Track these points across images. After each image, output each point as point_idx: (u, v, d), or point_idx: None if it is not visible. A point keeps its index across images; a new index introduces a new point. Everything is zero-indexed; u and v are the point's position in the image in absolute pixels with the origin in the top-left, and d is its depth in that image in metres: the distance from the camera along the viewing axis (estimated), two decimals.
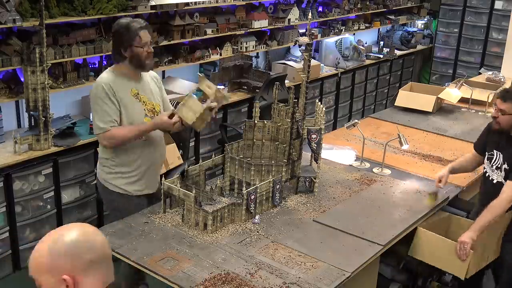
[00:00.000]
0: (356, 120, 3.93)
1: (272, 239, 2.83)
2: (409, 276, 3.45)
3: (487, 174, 3.33)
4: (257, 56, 6.32)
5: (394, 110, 5.18)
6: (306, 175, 3.37)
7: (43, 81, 3.97)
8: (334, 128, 6.92)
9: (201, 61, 5.55)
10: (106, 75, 3.13)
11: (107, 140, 3.09)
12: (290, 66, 6.22)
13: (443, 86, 5.61)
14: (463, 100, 5.24)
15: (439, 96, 5.12)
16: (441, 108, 5.22)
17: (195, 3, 5.19)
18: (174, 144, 4.02)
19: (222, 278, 2.46)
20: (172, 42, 5.11)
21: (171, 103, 3.42)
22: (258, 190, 3.00)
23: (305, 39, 3.16)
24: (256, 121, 3.30)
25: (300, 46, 6.25)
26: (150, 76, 3.31)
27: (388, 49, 7.81)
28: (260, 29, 5.98)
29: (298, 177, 3.33)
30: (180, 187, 2.95)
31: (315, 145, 3.22)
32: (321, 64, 6.70)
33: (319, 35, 6.84)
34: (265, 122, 3.31)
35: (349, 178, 3.61)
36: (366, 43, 7.91)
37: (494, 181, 3.26)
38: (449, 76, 8.26)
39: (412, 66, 8.60)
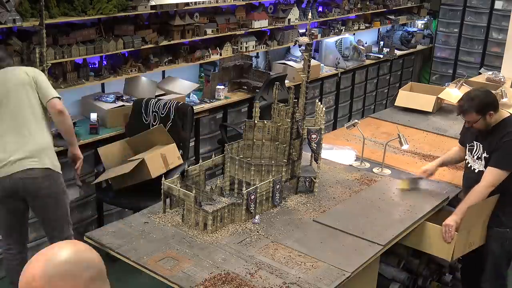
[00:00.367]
0: (356, 120, 3.93)
1: (272, 239, 2.83)
2: (409, 276, 3.45)
3: (469, 165, 3.41)
4: (257, 56, 6.32)
5: (394, 110, 5.18)
6: (306, 175, 3.37)
7: None
8: (334, 128, 6.92)
9: (201, 61, 5.54)
10: None
11: (63, 106, 3.36)
12: (290, 66, 6.22)
13: (443, 86, 5.61)
14: None
15: (439, 96, 5.12)
16: (441, 108, 5.22)
17: (195, 3, 5.19)
18: (174, 144, 4.01)
19: (222, 278, 2.46)
20: (172, 42, 5.11)
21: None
22: (258, 190, 3.00)
23: (305, 39, 3.16)
24: (256, 121, 3.30)
25: (300, 46, 6.24)
26: None
27: (388, 49, 7.81)
28: (260, 29, 5.98)
29: (298, 177, 3.33)
30: (180, 187, 2.95)
31: (315, 145, 3.22)
32: (321, 64, 6.70)
33: (319, 35, 6.84)
34: (265, 122, 3.31)
35: (349, 178, 3.61)
36: (366, 43, 7.91)
37: (476, 171, 3.34)
38: (449, 76, 8.26)
39: (412, 66, 8.60)
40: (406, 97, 5.19)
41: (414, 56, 8.53)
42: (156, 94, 4.92)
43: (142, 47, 4.83)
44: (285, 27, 6.31)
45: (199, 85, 5.60)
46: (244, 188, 2.98)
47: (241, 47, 5.85)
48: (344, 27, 7.21)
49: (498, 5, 7.79)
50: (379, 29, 8.26)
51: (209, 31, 5.47)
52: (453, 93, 5.21)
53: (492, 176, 3.19)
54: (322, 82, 6.71)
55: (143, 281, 3.30)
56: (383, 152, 3.78)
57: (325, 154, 3.69)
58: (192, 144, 5.06)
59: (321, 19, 6.90)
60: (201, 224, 2.86)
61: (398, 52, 7.95)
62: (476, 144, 3.36)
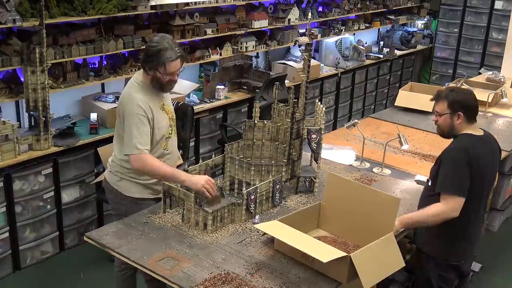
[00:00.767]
0: (356, 120, 3.93)
1: (272, 239, 2.83)
2: (409, 276, 3.45)
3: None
4: (257, 56, 6.32)
5: (394, 110, 5.18)
6: (306, 175, 3.37)
7: (43, 81, 3.98)
8: (334, 128, 6.93)
9: (201, 61, 5.55)
10: (136, 91, 3.03)
11: (138, 163, 2.99)
12: (290, 66, 6.22)
13: (443, 86, 5.61)
14: None
15: None
16: None
17: (195, 3, 5.20)
18: None
19: (222, 278, 2.46)
20: None
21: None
22: (258, 190, 2.99)
23: (305, 39, 3.16)
24: (256, 121, 3.30)
25: (300, 46, 6.25)
26: None
27: (388, 49, 7.82)
28: (260, 29, 5.99)
29: (298, 177, 3.33)
30: (180, 187, 2.95)
31: (315, 145, 3.22)
32: (321, 64, 6.70)
33: (319, 35, 6.84)
34: (265, 122, 3.31)
35: (349, 178, 3.60)
36: (366, 43, 7.92)
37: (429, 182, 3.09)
38: (449, 76, 8.27)
39: (412, 66, 8.61)
40: (406, 97, 5.19)
41: (414, 56, 8.54)
42: None
43: (142, 47, 4.82)
44: (285, 27, 6.31)
45: (199, 85, 5.61)
46: (244, 188, 2.98)
47: (241, 47, 5.85)
48: (344, 27, 7.22)
49: (498, 5, 7.80)
50: (379, 29, 8.26)
51: (209, 31, 5.47)
52: None
53: (445, 202, 2.85)
54: (322, 82, 6.72)
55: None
56: (383, 152, 3.78)
57: (325, 154, 3.69)
58: (192, 144, 5.06)
59: (321, 19, 6.91)
60: (201, 224, 2.86)
61: (398, 52, 7.96)
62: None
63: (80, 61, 4.65)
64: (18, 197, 4.01)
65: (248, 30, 5.85)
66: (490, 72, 6.01)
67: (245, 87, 5.73)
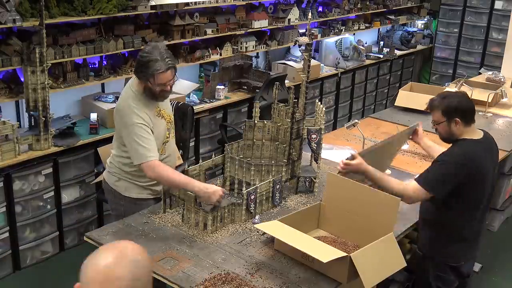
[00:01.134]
0: (356, 120, 3.92)
1: (272, 239, 2.83)
2: (409, 276, 3.45)
3: None
4: (257, 56, 6.32)
5: (394, 110, 5.18)
6: (306, 175, 3.37)
7: (43, 81, 3.98)
8: (334, 128, 6.93)
9: (201, 61, 5.55)
10: (133, 100, 2.99)
11: (151, 170, 2.92)
12: (290, 66, 6.22)
13: (443, 86, 5.61)
14: None
15: None
16: None
17: (195, 3, 5.20)
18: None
19: (222, 278, 2.46)
20: (172, 42, 5.11)
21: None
22: (258, 190, 3.00)
23: (305, 39, 3.16)
24: (256, 121, 3.30)
25: (300, 46, 6.24)
26: None
27: (388, 49, 7.81)
28: (260, 29, 5.99)
29: (298, 177, 3.33)
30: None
31: (315, 145, 3.22)
32: (321, 64, 6.70)
33: (319, 35, 6.84)
34: (265, 122, 3.31)
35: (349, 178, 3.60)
36: (366, 43, 7.91)
37: None
38: (449, 76, 8.27)
39: (412, 66, 8.61)
40: (406, 97, 5.19)
41: (414, 56, 8.54)
42: None
43: (142, 47, 4.82)
44: (285, 27, 6.31)
45: (199, 85, 5.61)
46: (244, 188, 2.98)
47: (241, 47, 5.85)
48: (344, 27, 7.22)
49: (498, 5, 7.80)
50: (379, 29, 8.26)
51: (209, 31, 5.47)
52: None
53: (412, 188, 2.88)
54: (322, 82, 6.72)
55: None
56: None
57: (325, 154, 3.68)
58: (192, 144, 5.06)
59: (321, 19, 6.90)
60: (201, 224, 2.86)
61: (398, 52, 7.95)
62: None
63: (80, 61, 4.65)
64: (18, 197, 4.01)
65: (248, 30, 5.85)
66: (490, 72, 6.01)
67: (245, 87, 5.73)
